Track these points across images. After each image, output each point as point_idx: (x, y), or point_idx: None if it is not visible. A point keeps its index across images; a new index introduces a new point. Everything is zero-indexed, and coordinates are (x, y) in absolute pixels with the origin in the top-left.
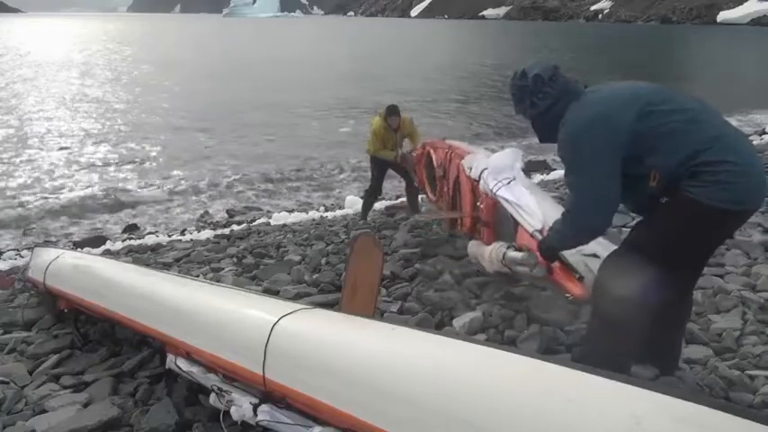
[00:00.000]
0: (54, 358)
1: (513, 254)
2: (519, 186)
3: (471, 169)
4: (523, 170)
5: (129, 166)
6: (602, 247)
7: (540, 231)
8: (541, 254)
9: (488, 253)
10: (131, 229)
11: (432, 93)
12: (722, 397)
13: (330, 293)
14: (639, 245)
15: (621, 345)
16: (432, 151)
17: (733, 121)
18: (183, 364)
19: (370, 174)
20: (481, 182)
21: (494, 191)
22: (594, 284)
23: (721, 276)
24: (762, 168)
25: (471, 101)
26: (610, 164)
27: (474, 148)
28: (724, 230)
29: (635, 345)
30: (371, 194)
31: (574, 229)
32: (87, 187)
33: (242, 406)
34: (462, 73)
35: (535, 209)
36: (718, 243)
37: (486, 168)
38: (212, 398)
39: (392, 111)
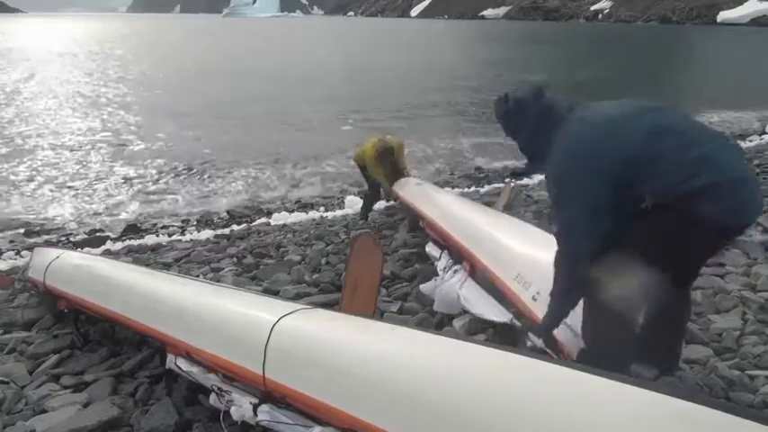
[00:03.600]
0: (54, 358)
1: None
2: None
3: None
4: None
5: (128, 166)
6: None
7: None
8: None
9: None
10: (131, 229)
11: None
12: (722, 397)
13: (330, 293)
14: (633, 245)
15: (619, 342)
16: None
17: (732, 121)
18: (183, 364)
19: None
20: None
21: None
22: (589, 282)
23: (721, 276)
24: (754, 183)
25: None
26: (596, 196)
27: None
28: (719, 241)
29: (633, 342)
30: (371, 198)
31: (567, 277)
32: (87, 188)
33: (242, 406)
34: (458, 72)
35: (492, 306)
36: (713, 251)
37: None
38: (212, 398)
39: (386, 154)
